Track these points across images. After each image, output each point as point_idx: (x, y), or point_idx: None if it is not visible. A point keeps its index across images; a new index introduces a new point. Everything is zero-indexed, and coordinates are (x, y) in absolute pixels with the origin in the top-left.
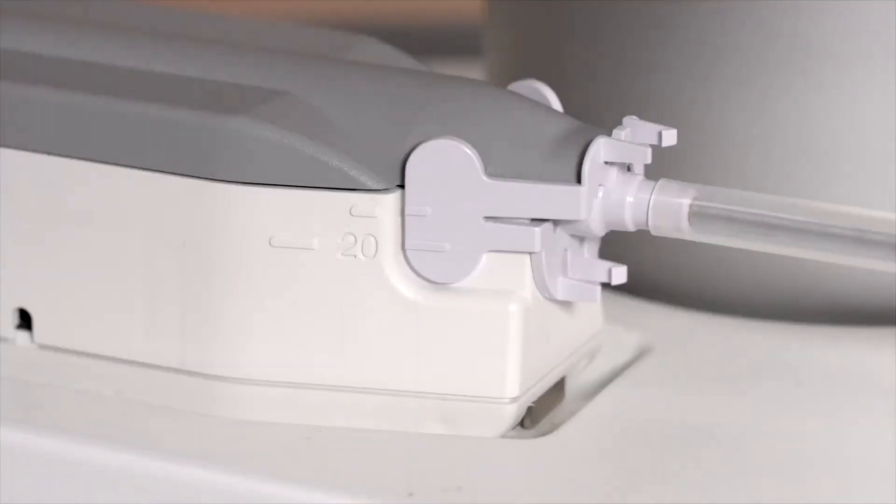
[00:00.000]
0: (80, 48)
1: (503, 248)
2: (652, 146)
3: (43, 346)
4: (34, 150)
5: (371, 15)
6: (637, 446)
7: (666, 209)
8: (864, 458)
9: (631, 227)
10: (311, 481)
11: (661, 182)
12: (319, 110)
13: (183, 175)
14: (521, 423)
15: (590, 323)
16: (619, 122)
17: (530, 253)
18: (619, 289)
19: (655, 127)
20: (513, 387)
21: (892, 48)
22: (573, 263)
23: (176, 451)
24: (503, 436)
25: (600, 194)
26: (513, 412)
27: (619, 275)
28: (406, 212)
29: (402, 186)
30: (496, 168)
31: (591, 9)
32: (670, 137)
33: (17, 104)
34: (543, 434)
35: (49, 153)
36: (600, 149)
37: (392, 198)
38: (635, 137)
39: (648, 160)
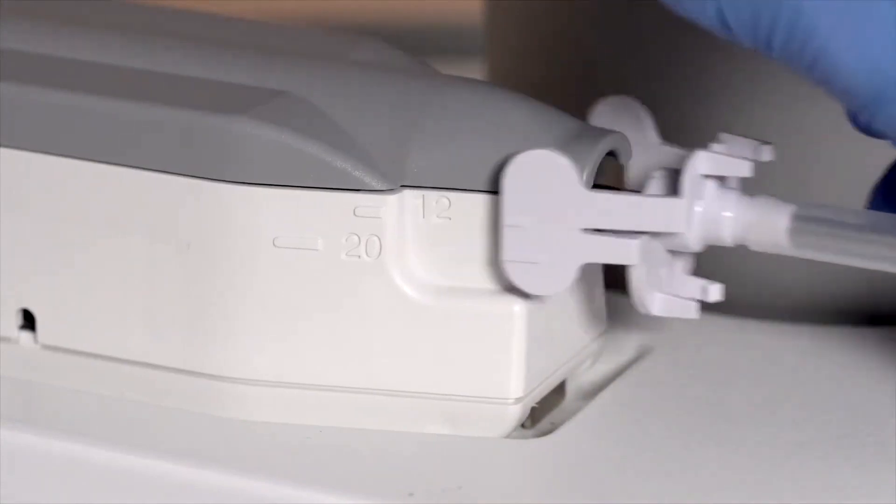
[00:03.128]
0: (80, 48)
1: (600, 259)
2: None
3: (46, 347)
4: (35, 151)
5: (372, 15)
6: (637, 446)
7: (765, 225)
8: (864, 458)
9: (729, 243)
10: (311, 481)
11: (760, 198)
12: (323, 111)
13: (187, 176)
14: (522, 423)
15: (593, 324)
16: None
17: (628, 265)
18: (620, 289)
19: (752, 142)
20: (517, 387)
21: None
22: (668, 279)
23: (177, 451)
24: (504, 436)
25: (699, 208)
26: (517, 413)
27: (715, 292)
28: (503, 223)
29: (405, 186)
30: (498, 168)
31: (592, 9)
32: (767, 152)
33: (17, 104)
34: (543, 434)
35: (52, 153)
36: (699, 161)
37: (396, 198)
38: (732, 152)
39: (748, 173)
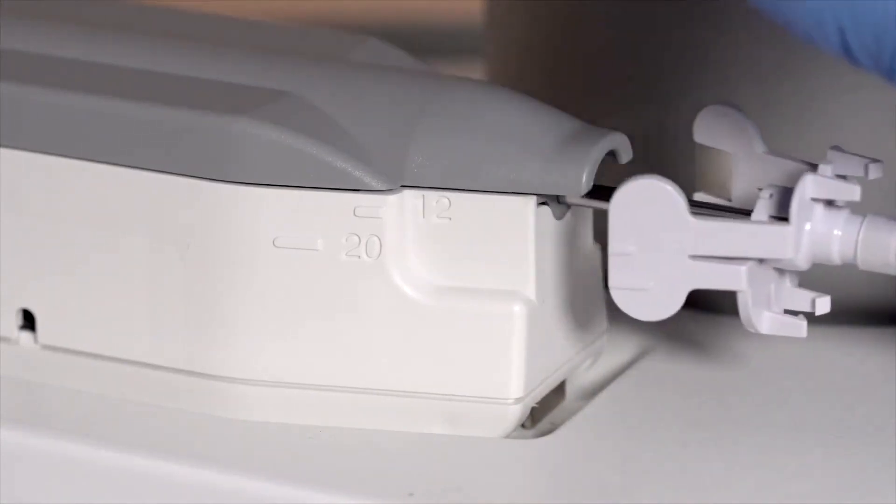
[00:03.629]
0: (80, 48)
1: (708, 285)
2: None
3: (46, 347)
4: (35, 151)
5: (372, 15)
6: (637, 446)
7: (875, 245)
8: (864, 457)
9: (837, 262)
10: (311, 481)
11: (868, 217)
12: (323, 111)
13: (187, 176)
14: (522, 423)
15: (594, 324)
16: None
17: (737, 291)
18: None
19: (862, 160)
20: (517, 388)
21: None
22: (777, 295)
23: (177, 451)
24: (504, 436)
25: (807, 228)
26: (517, 413)
27: (823, 305)
28: (610, 251)
29: (406, 186)
30: (498, 168)
31: (591, 9)
32: (877, 170)
33: (17, 104)
34: (543, 434)
35: (52, 153)
36: (808, 186)
37: (396, 198)
38: (841, 170)
39: (857, 198)
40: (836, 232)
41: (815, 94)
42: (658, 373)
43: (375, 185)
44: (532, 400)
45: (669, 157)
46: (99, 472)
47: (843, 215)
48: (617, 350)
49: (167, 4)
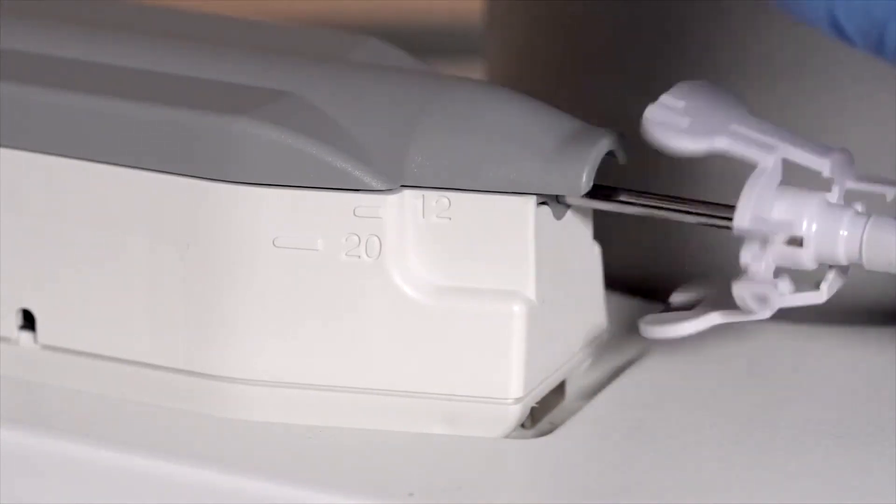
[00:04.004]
0: (80, 48)
1: (737, 151)
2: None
3: (46, 347)
4: (35, 151)
5: (371, 15)
6: (637, 446)
7: (880, 245)
8: (864, 457)
9: (843, 262)
10: (311, 481)
11: (873, 217)
12: (323, 111)
13: (187, 176)
14: (521, 423)
15: (593, 323)
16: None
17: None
18: (620, 289)
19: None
20: (517, 387)
21: None
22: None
23: (177, 451)
24: (504, 436)
25: (814, 228)
26: (517, 413)
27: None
28: (659, 101)
29: (405, 186)
30: (498, 168)
31: (592, 9)
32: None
33: (17, 104)
34: (543, 434)
35: (52, 153)
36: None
37: (396, 198)
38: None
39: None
40: (842, 232)
41: (818, 95)
42: (658, 373)
43: (375, 184)
44: (532, 400)
45: (669, 156)
46: (99, 472)
47: (848, 213)
48: (617, 350)
49: (167, 4)
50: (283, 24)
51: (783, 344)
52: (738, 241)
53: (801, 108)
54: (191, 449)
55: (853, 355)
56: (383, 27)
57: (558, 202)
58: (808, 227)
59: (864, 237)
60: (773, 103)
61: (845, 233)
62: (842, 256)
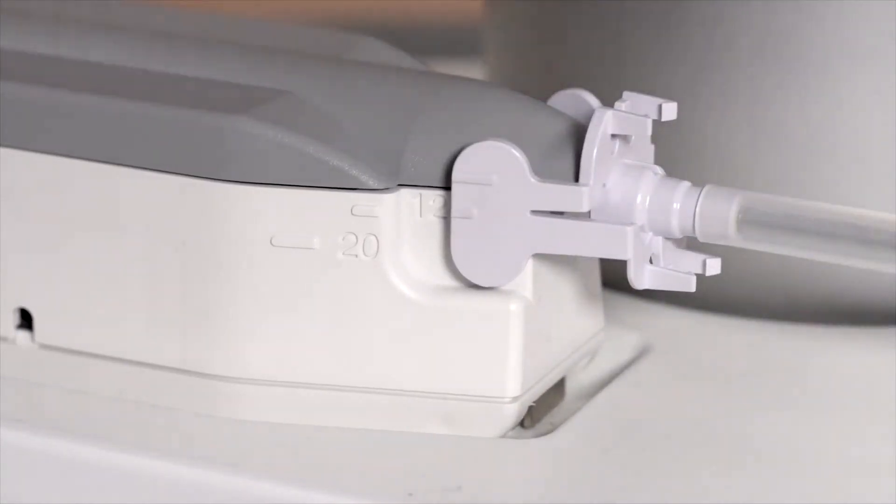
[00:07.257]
0: (79, 48)
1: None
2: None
3: (44, 346)
4: (35, 150)
5: (371, 15)
6: (637, 446)
7: (713, 216)
8: (865, 458)
9: (678, 234)
10: (311, 481)
11: (707, 188)
12: (320, 110)
13: (184, 175)
14: (521, 423)
15: (591, 322)
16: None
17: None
18: (619, 289)
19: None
20: (514, 386)
21: (893, 48)
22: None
23: (176, 451)
24: (503, 435)
25: (647, 201)
26: (514, 412)
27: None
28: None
29: (402, 185)
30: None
31: (592, 9)
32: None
33: (17, 104)
34: (543, 434)
35: (49, 153)
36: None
37: (393, 197)
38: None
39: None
40: (674, 205)
41: (815, 95)
42: (658, 373)
43: (372, 183)
44: (529, 398)
45: (670, 156)
46: (97, 471)
47: (683, 186)
48: (616, 350)
49: (167, 4)
50: (281, 24)
51: (783, 344)
52: None
53: (796, 100)
54: (188, 448)
55: (853, 355)
56: (383, 27)
57: None
58: (641, 200)
59: (697, 209)
60: (771, 102)
61: (678, 206)
62: (676, 229)
